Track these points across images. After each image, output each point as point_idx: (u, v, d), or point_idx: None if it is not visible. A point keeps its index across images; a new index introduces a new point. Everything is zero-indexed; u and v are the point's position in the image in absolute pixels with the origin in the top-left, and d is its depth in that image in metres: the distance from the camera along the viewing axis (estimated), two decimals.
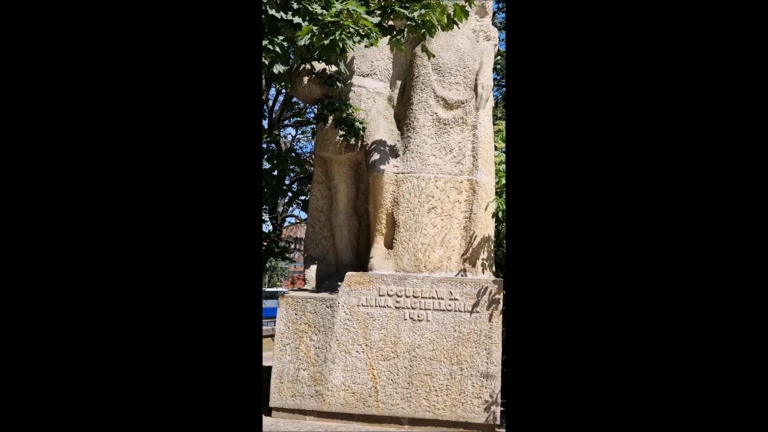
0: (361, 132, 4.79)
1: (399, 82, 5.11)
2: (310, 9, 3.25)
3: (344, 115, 4.65)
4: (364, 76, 5.03)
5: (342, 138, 4.80)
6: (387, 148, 4.80)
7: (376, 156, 4.77)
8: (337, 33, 3.21)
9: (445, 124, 4.76)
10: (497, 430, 4.26)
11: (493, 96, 5.57)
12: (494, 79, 6.10)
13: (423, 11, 3.53)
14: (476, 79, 4.78)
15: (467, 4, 3.84)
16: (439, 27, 3.79)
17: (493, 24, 5.57)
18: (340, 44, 3.29)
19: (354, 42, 3.42)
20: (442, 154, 4.74)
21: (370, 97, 4.99)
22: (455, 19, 3.77)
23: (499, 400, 4.23)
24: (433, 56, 4.48)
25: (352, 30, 3.28)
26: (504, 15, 9.41)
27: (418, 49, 4.79)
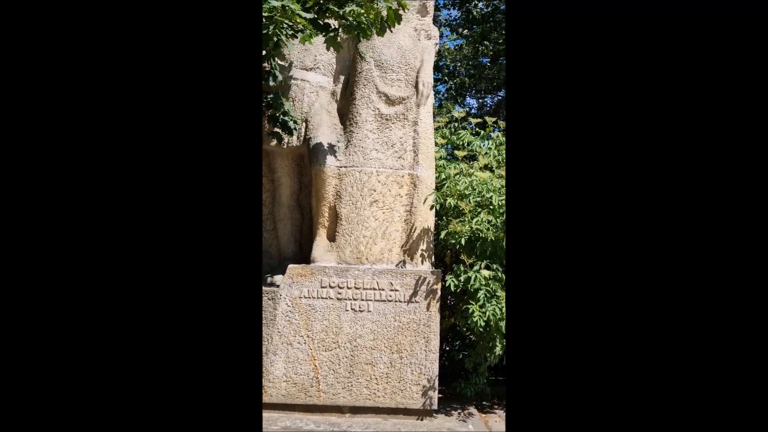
0: (295, 131, 4.80)
1: (342, 77, 5.17)
2: None
3: (277, 113, 4.58)
4: (307, 70, 5.05)
5: (272, 136, 4.78)
6: (330, 142, 4.86)
7: (318, 150, 4.82)
8: (271, 27, 3.24)
9: (387, 119, 4.87)
10: (434, 414, 4.42)
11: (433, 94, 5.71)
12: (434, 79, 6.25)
13: (355, 8, 3.59)
14: (417, 77, 4.91)
15: (400, 8, 3.92)
16: (373, 30, 3.85)
17: (435, 23, 5.73)
18: (274, 38, 3.31)
19: (287, 37, 3.45)
20: (384, 149, 4.85)
21: (314, 91, 5.03)
22: (388, 23, 3.84)
23: (437, 386, 4.39)
24: (365, 60, 4.55)
25: (285, 25, 3.32)
26: (448, 12, 9.67)
27: (360, 45, 4.87)
